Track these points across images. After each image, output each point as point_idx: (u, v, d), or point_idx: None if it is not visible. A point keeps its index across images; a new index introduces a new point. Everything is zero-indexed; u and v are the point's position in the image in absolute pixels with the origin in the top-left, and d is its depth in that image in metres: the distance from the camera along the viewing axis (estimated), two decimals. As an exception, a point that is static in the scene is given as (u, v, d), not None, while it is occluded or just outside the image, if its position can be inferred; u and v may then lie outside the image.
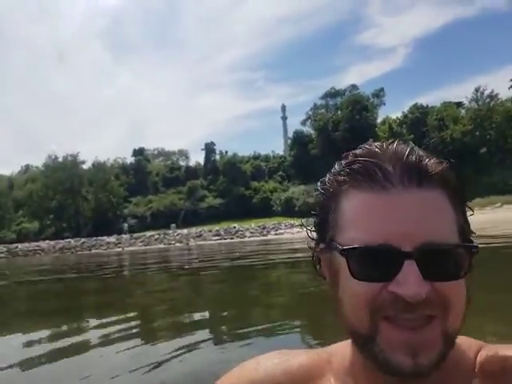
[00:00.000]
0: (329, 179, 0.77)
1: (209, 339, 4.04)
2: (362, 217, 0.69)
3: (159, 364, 3.13)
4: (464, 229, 0.72)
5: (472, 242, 0.73)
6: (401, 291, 0.65)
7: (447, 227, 0.69)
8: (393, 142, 0.74)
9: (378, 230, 0.67)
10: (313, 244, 0.82)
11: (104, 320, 5.23)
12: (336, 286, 0.74)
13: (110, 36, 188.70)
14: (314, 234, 0.82)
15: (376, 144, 0.74)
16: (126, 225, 48.78)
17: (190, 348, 3.59)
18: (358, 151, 0.74)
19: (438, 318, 0.67)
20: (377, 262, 0.67)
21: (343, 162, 0.75)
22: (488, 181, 36.46)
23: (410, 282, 0.64)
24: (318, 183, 0.80)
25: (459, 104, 52.43)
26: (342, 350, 0.85)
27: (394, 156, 0.70)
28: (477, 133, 44.06)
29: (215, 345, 3.88)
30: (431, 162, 0.70)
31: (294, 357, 0.90)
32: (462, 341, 0.81)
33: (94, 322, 5.48)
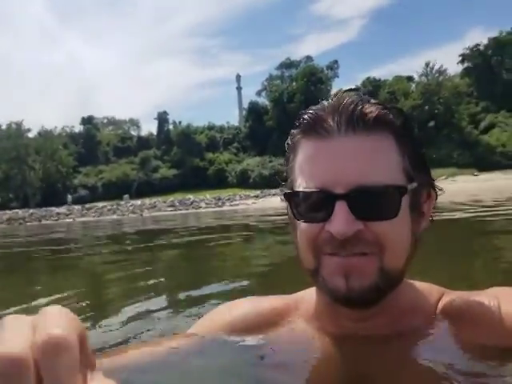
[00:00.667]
0: (290, 133, 0.82)
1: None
2: (305, 164, 0.77)
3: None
4: (409, 171, 0.75)
5: (415, 184, 0.76)
6: (331, 229, 0.71)
7: (384, 169, 0.73)
8: (343, 91, 0.78)
9: (316, 176, 0.74)
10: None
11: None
12: (293, 230, 0.82)
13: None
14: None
15: (333, 95, 0.79)
16: (69, 196, 47.37)
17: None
18: (312, 106, 0.79)
19: (374, 254, 0.73)
20: (314, 204, 0.74)
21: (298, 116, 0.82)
22: (436, 154, 38.01)
23: (338, 220, 0.70)
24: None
25: (410, 78, 53.87)
26: (308, 295, 0.91)
27: (334, 107, 0.75)
28: (426, 107, 45.58)
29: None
30: (368, 108, 0.74)
31: (264, 302, 0.96)
32: (425, 286, 0.87)
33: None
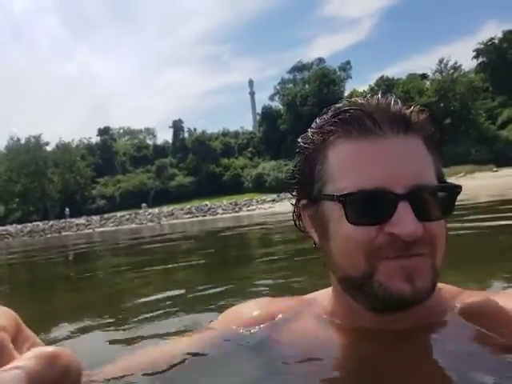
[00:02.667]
0: (313, 133, 0.78)
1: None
2: (353, 164, 0.72)
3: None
4: (440, 172, 0.76)
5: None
6: (398, 231, 0.68)
7: (430, 170, 0.73)
8: (374, 94, 0.76)
9: (372, 175, 0.70)
10: (293, 202, 0.85)
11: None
12: (325, 237, 0.77)
13: (65, 10, 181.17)
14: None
15: (357, 98, 0.77)
16: (67, 209, 47.76)
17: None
18: (340, 105, 0.77)
19: (427, 255, 0.71)
20: (372, 205, 0.70)
21: (327, 115, 0.78)
22: (452, 151, 37.43)
23: (406, 221, 0.68)
24: (299, 139, 0.82)
25: (424, 76, 53.22)
26: (322, 296, 0.90)
27: (380, 106, 0.73)
28: (441, 104, 44.99)
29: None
30: (415, 111, 0.74)
31: (276, 302, 0.95)
32: (443, 286, 0.86)
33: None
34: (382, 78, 55.51)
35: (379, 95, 0.75)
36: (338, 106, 0.77)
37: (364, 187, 0.70)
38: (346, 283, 0.77)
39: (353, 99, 0.78)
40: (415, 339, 0.78)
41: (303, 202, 0.82)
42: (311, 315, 0.88)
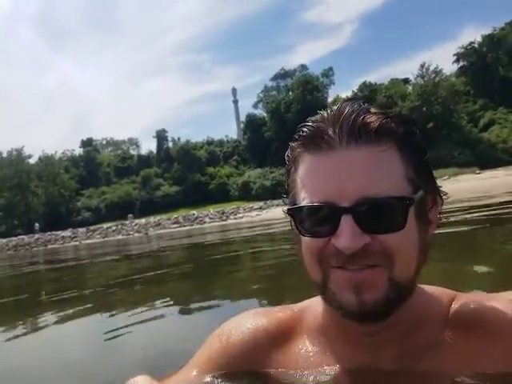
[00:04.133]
0: (290, 145, 0.80)
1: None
2: (308, 178, 0.75)
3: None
4: (414, 180, 0.73)
5: (421, 193, 0.74)
6: (337, 244, 0.70)
7: (388, 180, 0.71)
8: (343, 102, 0.76)
9: (320, 190, 0.72)
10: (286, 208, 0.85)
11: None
12: (299, 243, 0.80)
13: (44, 21, 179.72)
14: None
15: (332, 107, 0.76)
16: (37, 224, 47.43)
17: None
18: (312, 117, 0.78)
19: (383, 266, 0.71)
20: (319, 218, 0.72)
21: (298, 128, 0.80)
22: (436, 155, 37.86)
23: (344, 235, 0.69)
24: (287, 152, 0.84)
25: (406, 80, 54.01)
26: (314, 305, 0.89)
27: (337, 117, 0.73)
28: (424, 108, 45.59)
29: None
30: (370, 118, 0.72)
31: (269, 316, 0.93)
32: (434, 291, 0.85)
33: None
34: (364, 83, 56.18)
35: (340, 105, 0.75)
36: (311, 118, 0.78)
37: (310, 201, 0.73)
38: (315, 288, 0.80)
39: (321, 112, 0.77)
40: (406, 379, 0.77)
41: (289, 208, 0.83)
42: (304, 332, 0.88)
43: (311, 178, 0.74)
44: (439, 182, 0.80)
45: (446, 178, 31.38)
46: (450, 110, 45.61)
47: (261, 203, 34.54)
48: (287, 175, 0.82)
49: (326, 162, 0.72)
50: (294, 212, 0.76)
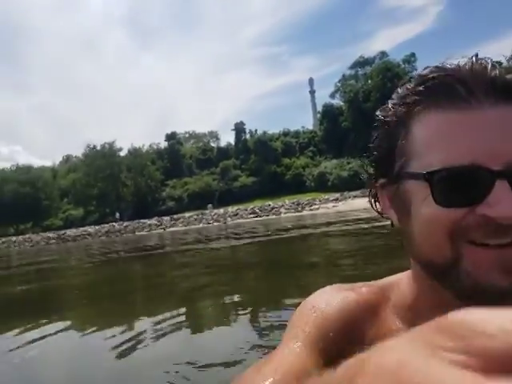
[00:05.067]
0: (394, 104, 0.70)
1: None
2: (443, 139, 0.63)
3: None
4: None
5: None
6: (494, 213, 0.59)
7: None
8: (468, 58, 0.66)
9: (464, 150, 0.61)
10: (369, 182, 0.79)
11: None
12: (407, 218, 0.69)
13: (131, 21, 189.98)
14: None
15: (448, 62, 0.66)
16: (117, 214, 50.52)
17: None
18: (425, 71, 0.67)
19: None
20: (464, 184, 0.61)
21: (410, 84, 0.69)
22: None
23: (504, 202, 0.59)
24: (377, 112, 0.74)
25: (497, 64, 50.64)
26: (399, 285, 0.82)
27: (475, 71, 0.63)
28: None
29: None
30: None
31: (355, 290, 0.85)
32: None
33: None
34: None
35: (473, 59, 0.65)
36: (423, 72, 0.68)
37: (455, 164, 0.61)
38: (429, 269, 0.69)
39: (437, 65, 0.67)
40: None
41: (382, 181, 0.74)
42: (389, 310, 0.81)
43: (449, 138, 0.62)
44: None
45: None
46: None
47: (337, 194, 34.44)
48: (386, 141, 0.71)
49: (471, 119, 0.61)
50: (431, 177, 0.62)
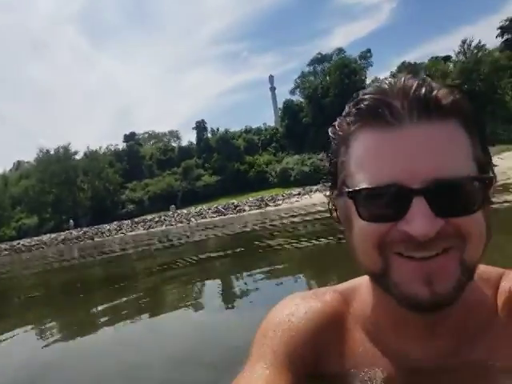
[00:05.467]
0: (338, 123, 0.73)
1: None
2: (369, 157, 0.67)
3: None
4: (481, 160, 0.68)
5: (489, 173, 0.69)
6: (410, 230, 0.62)
7: (460, 160, 0.65)
8: (403, 75, 0.69)
9: (386, 170, 0.64)
10: (328, 192, 0.80)
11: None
12: (349, 230, 0.72)
13: (84, 20, 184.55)
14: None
15: (385, 80, 0.69)
16: (71, 221, 49.11)
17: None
18: (366, 90, 0.70)
19: (455, 248, 0.65)
20: (385, 201, 0.64)
21: (351, 103, 0.72)
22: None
23: (418, 219, 0.62)
24: (329, 129, 0.76)
25: (447, 58, 52.05)
26: (360, 290, 0.84)
27: (402, 90, 0.66)
28: (465, 86, 43.90)
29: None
30: (442, 92, 0.66)
31: (319, 299, 0.87)
32: (482, 269, 0.77)
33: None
34: (403, 63, 54.59)
35: (403, 78, 0.67)
36: (360, 93, 0.71)
37: (378, 183, 0.65)
38: (370, 277, 0.74)
39: (376, 84, 0.70)
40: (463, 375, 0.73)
41: (335, 192, 0.77)
42: (350, 318, 0.84)
43: (373, 158, 0.66)
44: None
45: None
46: (493, 87, 43.68)
47: (299, 189, 34.39)
48: (334, 156, 0.75)
49: (393, 139, 0.64)
50: (355, 195, 0.67)
